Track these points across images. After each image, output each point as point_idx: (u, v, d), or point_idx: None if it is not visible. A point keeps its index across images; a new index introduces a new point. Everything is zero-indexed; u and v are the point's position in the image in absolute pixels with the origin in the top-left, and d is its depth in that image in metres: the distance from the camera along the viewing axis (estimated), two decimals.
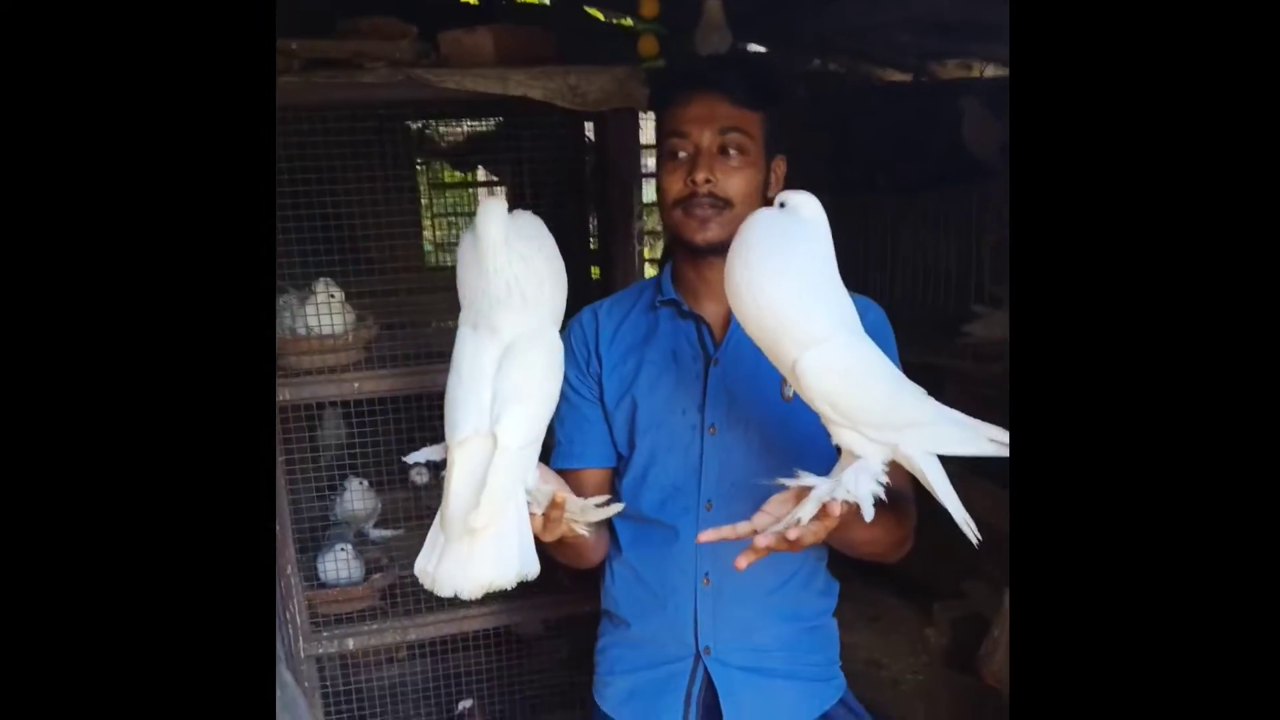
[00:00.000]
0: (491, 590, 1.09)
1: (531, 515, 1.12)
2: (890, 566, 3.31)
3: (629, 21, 1.89)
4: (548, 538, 1.16)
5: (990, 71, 3.12)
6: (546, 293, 1.16)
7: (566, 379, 1.41)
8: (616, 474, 1.43)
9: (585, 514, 1.18)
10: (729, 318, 1.34)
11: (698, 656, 1.37)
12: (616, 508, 1.23)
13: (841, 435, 1.04)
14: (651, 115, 1.46)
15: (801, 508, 1.03)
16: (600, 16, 3.19)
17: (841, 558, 1.41)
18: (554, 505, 1.13)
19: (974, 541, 1.05)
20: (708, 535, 1.10)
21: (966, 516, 1.05)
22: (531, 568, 1.11)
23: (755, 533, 1.07)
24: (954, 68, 3.24)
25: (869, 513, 1.01)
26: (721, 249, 1.30)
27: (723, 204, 1.29)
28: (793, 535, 1.03)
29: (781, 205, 1.07)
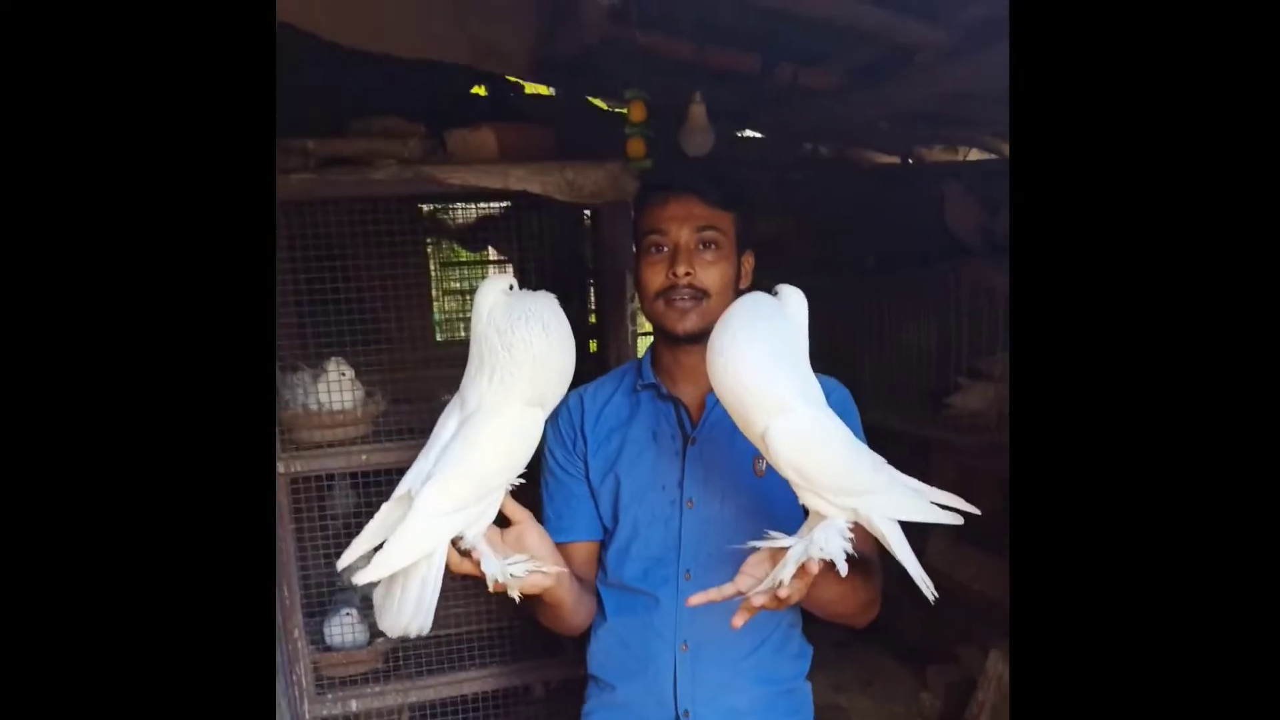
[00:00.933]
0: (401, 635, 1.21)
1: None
2: (886, 631, 3.36)
3: (626, 110, 2.03)
4: (518, 592, 1.26)
5: (973, 155, 3.26)
6: (524, 372, 1.18)
7: (554, 457, 1.52)
8: (603, 546, 1.52)
9: (503, 575, 1.23)
10: (705, 400, 1.46)
11: (678, 719, 1.44)
12: (530, 567, 1.27)
13: (807, 499, 1.15)
14: None
15: (782, 569, 1.12)
16: (603, 106, 3.34)
17: (821, 623, 1.49)
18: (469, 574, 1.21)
19: (929, 597, 1.16)
20: (696, 599, 1.19)
21: (923, 575, 1.15)
22: (421, 627, 1.20)
23: (739, 594, 1.16)
24: (939, 151, 3.39)
25: (844, 567, 1.11)
26: (699, 337, 1.42)
27: (701, 294, 1.40)
28: (784, 594, 1.12)
29: (775, 292, 1.20)
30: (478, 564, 1.21)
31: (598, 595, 1.52)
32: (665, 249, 1.42)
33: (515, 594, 1.25)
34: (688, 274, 1.39)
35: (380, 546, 1.15)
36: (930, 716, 2.92)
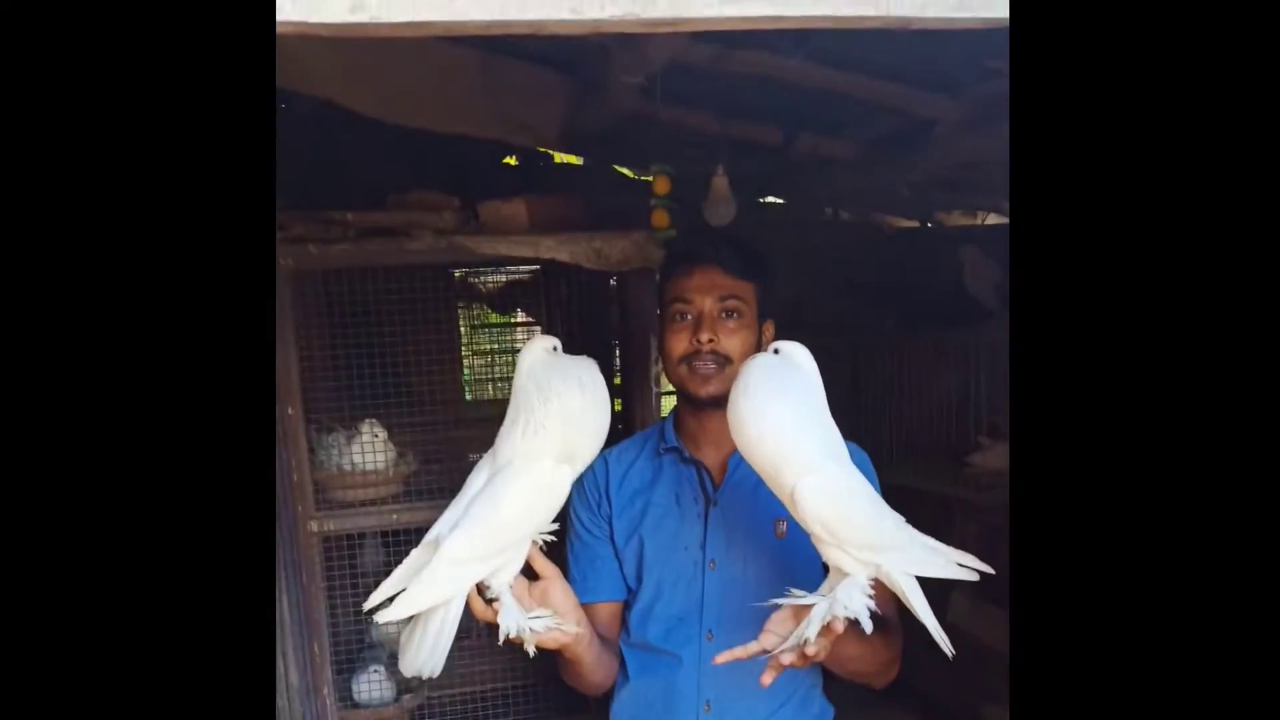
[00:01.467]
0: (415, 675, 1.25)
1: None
2: (911, 690, 3.33)
3: (653, 179, 2.11)
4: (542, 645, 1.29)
5: (991, 219, 3.32)
6: (556, 427, 1.22)
7: (580, 519, 1.56)
8: (626, 606, 1.55)
9: (520, 629, 1.25)
10: (726, 463, 1.50)
11: None
12: (550, 624, 1.29)
13: (830, 555, 1.18)
14: None
15: (808, 627, 1.15)
16: (630, 174, 3.44)
17: (843, 682, 1.51)
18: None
19: (948, 654, 1.19)
20: (723, 657, 1.22)
21: (941, 631, 1.18)
22: (434, 669, 1.25)
23: (765, 652, 1.19)
24: (958, 216, 3.44)
25: (868, 625, 1.14)
26: (720, 401, 1.45)
27: (723, 361, 1.45)
28: (811, 651, 1.14)
29: (775, 351, 1.25)
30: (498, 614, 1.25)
31: (620, 655, 1.55)
32: (689, 316, 1.47)
33: (530, 648, 1.28)
34: (710, 340, 1.44)
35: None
36: None
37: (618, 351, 2.81)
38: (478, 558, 1.21)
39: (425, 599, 1.19)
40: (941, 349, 2.89)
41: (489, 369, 3.69)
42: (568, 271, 2.41)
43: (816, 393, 1.21)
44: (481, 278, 3.37)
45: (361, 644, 2.36)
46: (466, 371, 3.45)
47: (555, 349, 1.31)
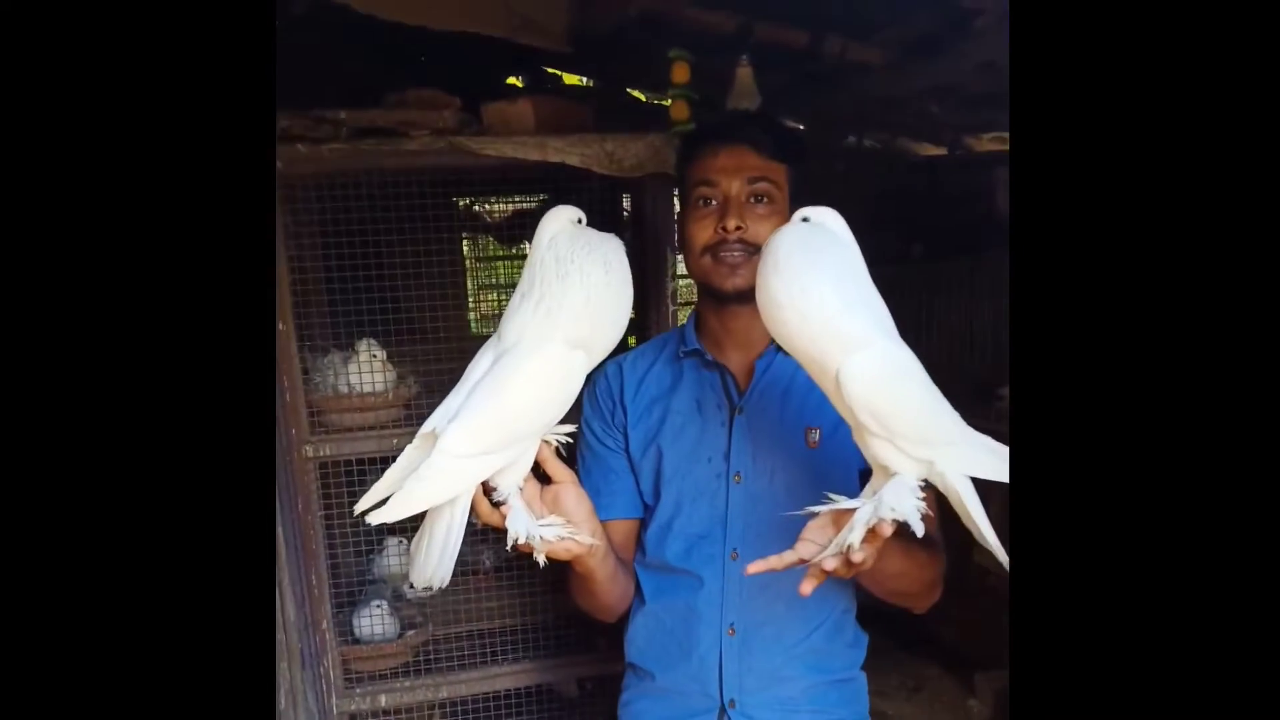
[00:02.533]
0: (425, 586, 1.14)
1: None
2: (932, 636, 3.24)
3: (669, 102, 1.97)
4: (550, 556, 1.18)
5: None
6: (574, 305, 1.09)
7: (592, 430, 1.44)
8: (643, 524, 1.44)
9: (530, 536, 1.14)
10: (753, 366, 1.37)
11: (723, 709, 1.36)
12: (563, 532, 1.18)
13: (878, 449, 1.03)
14: None
15: (851, 531, 1.01)
16: (642, 97, 3.28)
17: (879, 619, 1.39)
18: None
19: (1003, 564, 1.04)
20: (755, 566, 1.08)
21: (998, 542, 1.02)
22: (443, 579, 1.13)
23: (802, 562, 1.06)
24: (987, 141, 3.29)
25: (919, 527, 1.00)
26: (746, 296, 1.33)
27: (752, 250, 1.31)
28: (857, 558, 1.01)
29: (805, 220, 1.08)
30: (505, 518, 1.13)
31: (636, 578, 1.44)
32: (714, 202, 1.34)
33: (541, 558, 1.16)
34: (739, 228, 1.31)
35: None
36: None
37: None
38: (481, 451, 1.07)
39: (423, 498, 1.06)
40: (972, 277, 2.75)
41: (496, 302, 3.58)
42: (577, 193, 2.28)
43: (858, 262, 1.06)
44: (487, 205, 3.25)
45: (363, 578, 2.26)
46: (471, 303, 3.33)
47: (580, 221, 1.16)
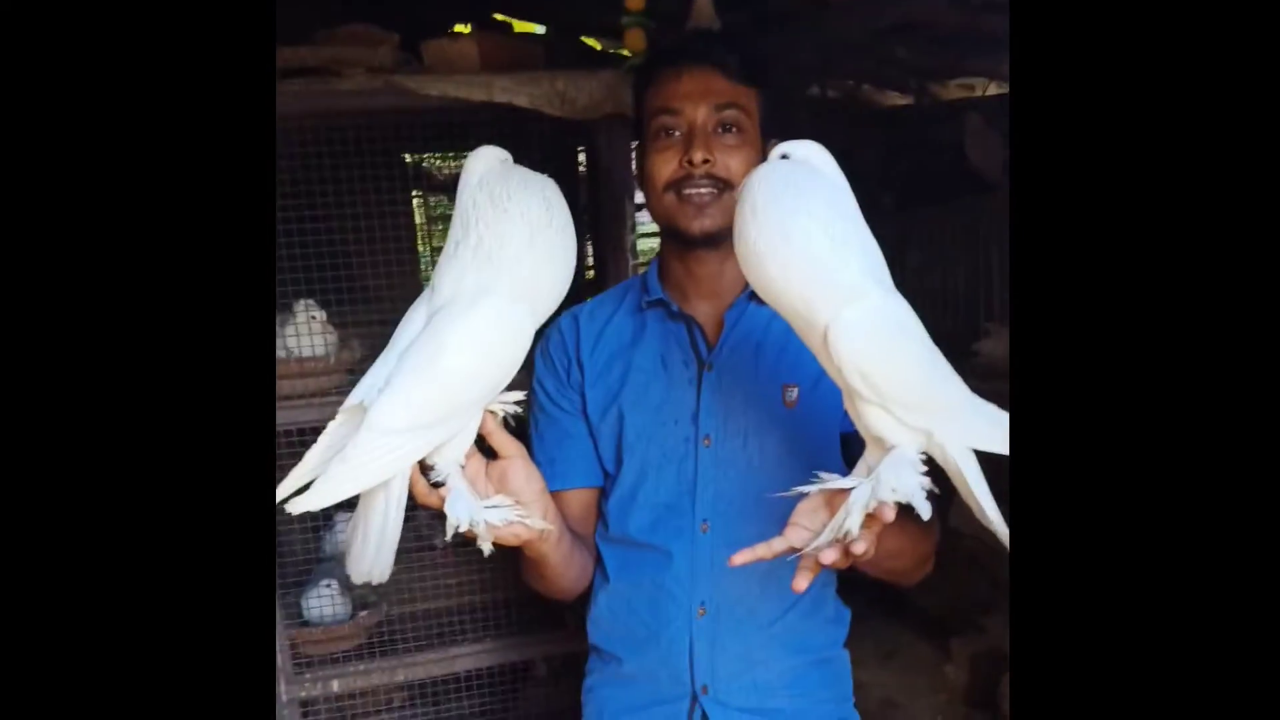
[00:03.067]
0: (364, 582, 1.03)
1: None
2: (907, 601, 3.19)
3: (626, 52, 1.83)
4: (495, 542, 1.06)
5: (992, 89, 3.07)
6: (510, 254, 0.96)
7: (545, 390, 1.32)
8: (603, 494, 1.32)
9: (473, 521, 1.01)
10: (723, 318, 1.26)
11: (694, 696, 1.25)
12: (510, 515, 1.06)
13: (870, 417, 0.91)
14: None
15: (849, 517, 0.89)
16: (597, 46, 3.15)
17: (851, 585, 1.29)
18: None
19: (1005, 544, 0.93)
20: (741, 557, 0.96)
21: (1002, 521, 0.91)
22: (381, 573, 1.00)
23: (793, 550, 0.95)
24: (955, 88, 3.19)
25: (925, 509, 0.89)
26: (716, 239, 1.21)
27: (721, 186, 1.20)
28: (859, 549, 0.90)
29: (784, 156, 0.94)
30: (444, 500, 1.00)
31: (597, 552, 1.33)
32: (678, 132, 1.21)
33: (486, 545, 1.03)
34: (706, 161, 1.18)
35: None
36: (954, 689, 2.79)
37: (589, 236, 2.58)
38: (416, 426, 0.93)
39: (351, 482, 0.91)
40: (944, 227, 2.66)
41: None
42: (528, 141, 2.14)
43: (848, 201, 0.92)
44: (437, 163, 3.11)
45: (311, 556, 2.14)
46: (425, 265, 3.20)
47: (507, 160, 1.02)
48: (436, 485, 1.00)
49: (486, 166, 1.00)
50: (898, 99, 3.39)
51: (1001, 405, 0.89)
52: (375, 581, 1.02)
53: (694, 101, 1.20)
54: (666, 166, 1.21)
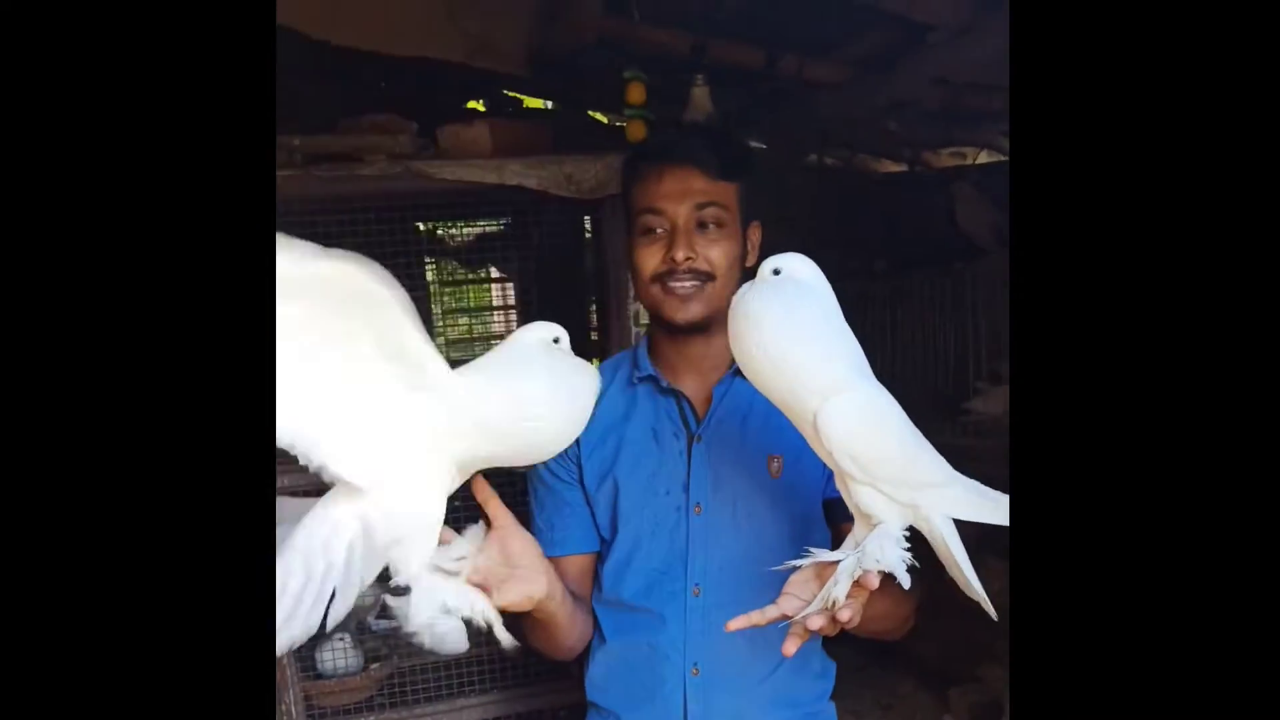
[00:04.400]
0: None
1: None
2: (905, 651, 3.23)
3: (625, 120, 1.96)
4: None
5: (983, 158, 3.19)
6: (497, 426, 1.03)
7: (544, 462, 1.37)
8: (599, 558, 1.39)
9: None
10: (711, 392, 1.34)
11: None
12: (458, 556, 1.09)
13: (860, 495, 1.00)
14: None
15: (836, 585, 0.98)
16: (604, 119, 3.28)
17: (835, 644, 1.36)
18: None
19: (992, 617, 1.01)
20: (736, 624, 1.04)
21: (982, 590, 1.00)
22: (299, 635, 0.95)
23: (785, 617, 1.02)
24: (947, 157, 3.31)
25: (905, 579, 0.97)
26: (702, 326, 1.29)
27: (704, 277, 1.27)
28: (844, 616, 0.97)
29: (776, 271, 1.04)
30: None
31: (594, 614, 1.40)
32: (660, 230, 1.29)
33: (493, 618, 1.07)
34: (688, 258, 1.26)
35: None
36: None
37: (595, 306, 2.68)
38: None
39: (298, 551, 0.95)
40: (935, 291, 2.76)
41: (465, 325, 3.55)
42: (539, 217, 2.25)
43: (832, 306, 1.03)
44: (449, 230, 3.22)
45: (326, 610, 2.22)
46: (439, 327, 3.30)
47: (557, 340, 1.11)
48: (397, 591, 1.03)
49: (538, 340, 1.09)
50: (892, 167, 3.51)
51: (997, 461, 0.96)
52: (295, 644, 0.97)
53: (675, 201, 1.27)
54: (651, 260, 1.29)
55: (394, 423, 0.97)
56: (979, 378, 2.59)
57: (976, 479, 1.05)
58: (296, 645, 0.95)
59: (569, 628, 1.30)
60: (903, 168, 3.46)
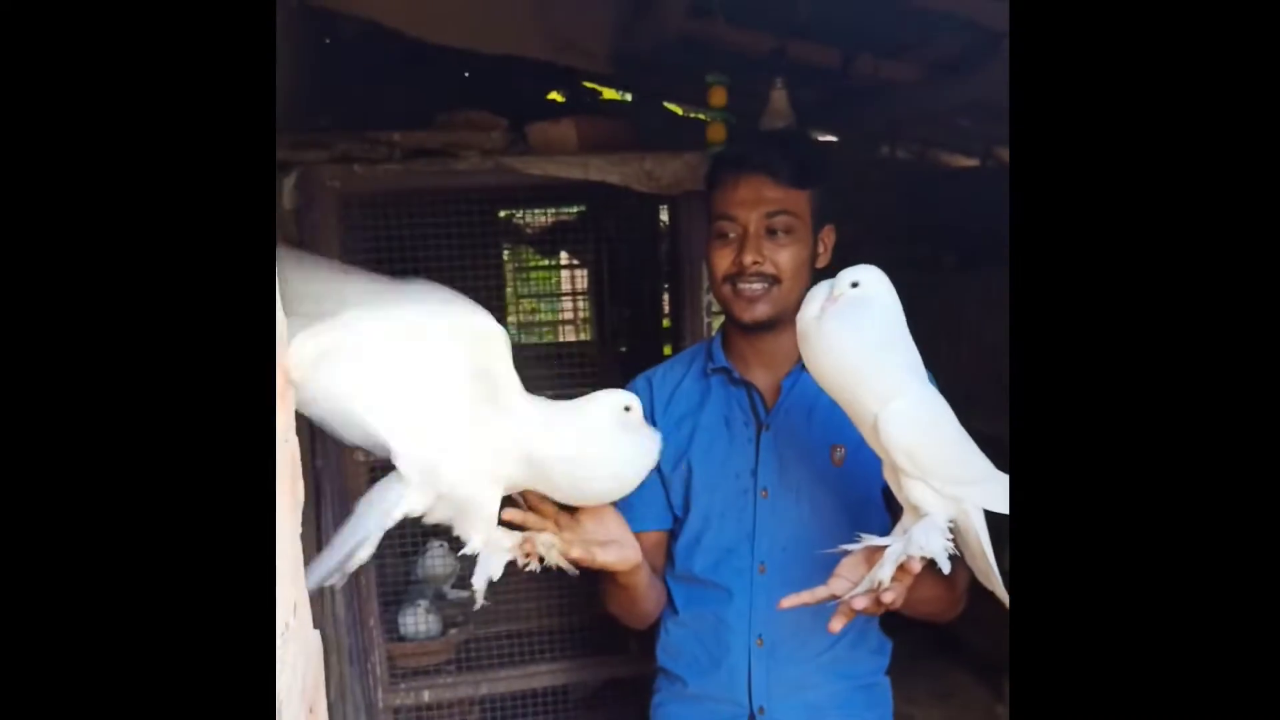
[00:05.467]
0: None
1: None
2: (961, 643, 3.27)
3: (705, 116, 2.03)
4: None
5: None
6: (559, 465, 1.17)
7: None
8: (672, 535, 1.49)
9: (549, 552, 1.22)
10: (779, 384, 1.42)
11: (752, 716, 1.41)
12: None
13: (912, 489, 1.10)
14: None
15: (881, 569, 1.07)
16: (679, 111, 3.34)
17: (909, 628, 1.43)
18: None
19: (1003, 601, 1.09)
20: (789, 601, 1.14)
21: (1000, 581, 1.10)
22: (312, 581, 1.07)
23: (834, 597, 1.12)
24: None
25: (946, 565, 1.06)
26: (769, 325, 1.38)
27: (771, 280, 1.36)
28: (888, 598, 1.07)
29: (854, 284, 1.11)
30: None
31: (667, 587, 1.50)
32: (733, 234, 1.38)
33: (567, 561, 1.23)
34: (755, 262, 1.35)
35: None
36: None
37: (666, 287, 2.75)
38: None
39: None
40: (1002, 286, 2.78)
41: (533, 311, 3.66)
42: (616, 206, 2.34)
43: (896, 315, 1.11)
44: (526, 218, 3.31)
45: (408, 578, 2.35)
46: (510, 313, 3.41)
47: (628, 409, 1.21)
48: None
49: (611, 406, 1.20)
50: (964, 161, 3.52)
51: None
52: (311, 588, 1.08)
53: (747, 209, 1.36)
54: (724, 262, 1.38)
55: (468, 429, 1.11)
56: None
57: None
58: (320, 586, 1.08)
59: (647, 595, 1.41)
60: (974, 162, 3.47)
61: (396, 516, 1.11)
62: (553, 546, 1.22)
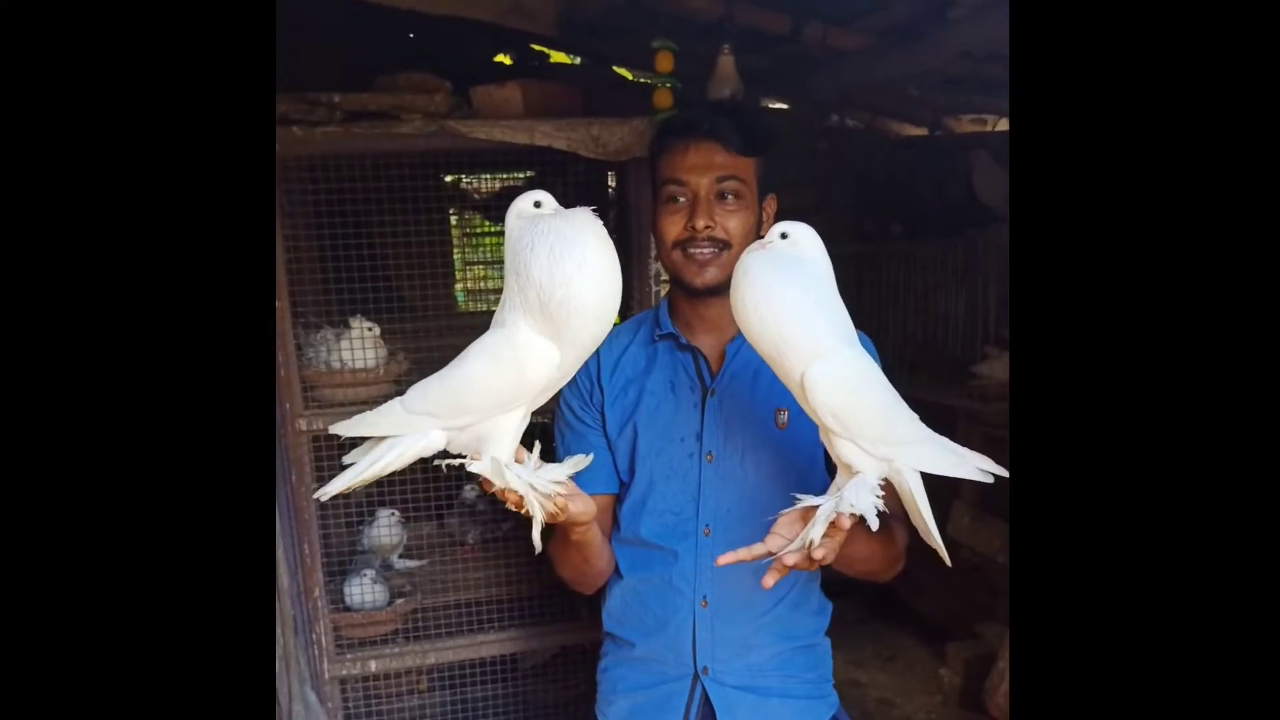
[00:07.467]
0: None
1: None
2: (907, 608, 3.33)
3: (652, 80, 2.01)
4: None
5: (1001, 125, 3.22)
6: (523, 286, 1.09)
7: (570, 408, 1.49)
8: (618, 500, 1.49)
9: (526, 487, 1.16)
10: (724, 350, 1.43)
11: (696, 676, 1.43)
12: (555, 478, 1.19)
13: (841, 448, 1.11)
14: None
15: (812, 527, 1.09)
16: (628, 75, 3.31)
17: (839, 599, 1.45)
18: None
19: (945, 562, 1.12)
20: (726, 559, 1.15)
21: (939, 539, 1.11)
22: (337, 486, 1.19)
23: (770, 554, 1.13)
24: (967, 122, 3.34)
25: (874, 522, 1.07)
26: (718, 289, 1.37)
27: (722, 245, 1.36)
28: (818, 555, 1.08)
29: (784, 235, 1.13)
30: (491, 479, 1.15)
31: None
32: (683, 199, 1.38)
33: (537, 533, 1.18)
34: (707, 226, 1.36)
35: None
36: (949, 692, 2.92)
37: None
38: (432, 411, 1.14)
39: (374, 425, 1.16)
40: (949, 256, 2.81)
41: (484, 277, 3.61)
42: (562, 173, 2.31)
43: (826, 275, 1.12)
44: (474, 183, 3.27)
45: (353, 549, 2.33)
46: (459, 280, 3.37)
47: (538, 205, 1.14)
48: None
49: (513, 223, 1.15)
50: (913, 130, 3.54)
51: (1003, 424, 1.02)
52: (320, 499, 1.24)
53: (698, 173, 1.36)
54: (674, 228, 1.38)
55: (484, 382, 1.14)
56: (987, 342, 2.66)
57: (983, 442, 1.14)
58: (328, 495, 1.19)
59: (600, 553, 1.42)
60: (923, 131, 3.49)
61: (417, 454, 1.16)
62: (536, 504, 1.18)
